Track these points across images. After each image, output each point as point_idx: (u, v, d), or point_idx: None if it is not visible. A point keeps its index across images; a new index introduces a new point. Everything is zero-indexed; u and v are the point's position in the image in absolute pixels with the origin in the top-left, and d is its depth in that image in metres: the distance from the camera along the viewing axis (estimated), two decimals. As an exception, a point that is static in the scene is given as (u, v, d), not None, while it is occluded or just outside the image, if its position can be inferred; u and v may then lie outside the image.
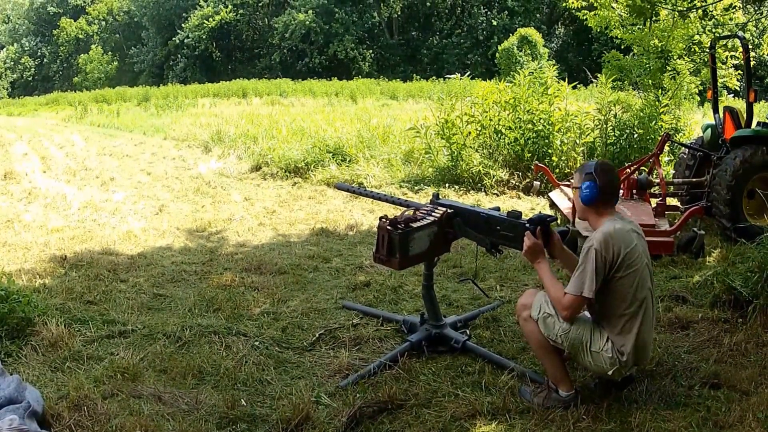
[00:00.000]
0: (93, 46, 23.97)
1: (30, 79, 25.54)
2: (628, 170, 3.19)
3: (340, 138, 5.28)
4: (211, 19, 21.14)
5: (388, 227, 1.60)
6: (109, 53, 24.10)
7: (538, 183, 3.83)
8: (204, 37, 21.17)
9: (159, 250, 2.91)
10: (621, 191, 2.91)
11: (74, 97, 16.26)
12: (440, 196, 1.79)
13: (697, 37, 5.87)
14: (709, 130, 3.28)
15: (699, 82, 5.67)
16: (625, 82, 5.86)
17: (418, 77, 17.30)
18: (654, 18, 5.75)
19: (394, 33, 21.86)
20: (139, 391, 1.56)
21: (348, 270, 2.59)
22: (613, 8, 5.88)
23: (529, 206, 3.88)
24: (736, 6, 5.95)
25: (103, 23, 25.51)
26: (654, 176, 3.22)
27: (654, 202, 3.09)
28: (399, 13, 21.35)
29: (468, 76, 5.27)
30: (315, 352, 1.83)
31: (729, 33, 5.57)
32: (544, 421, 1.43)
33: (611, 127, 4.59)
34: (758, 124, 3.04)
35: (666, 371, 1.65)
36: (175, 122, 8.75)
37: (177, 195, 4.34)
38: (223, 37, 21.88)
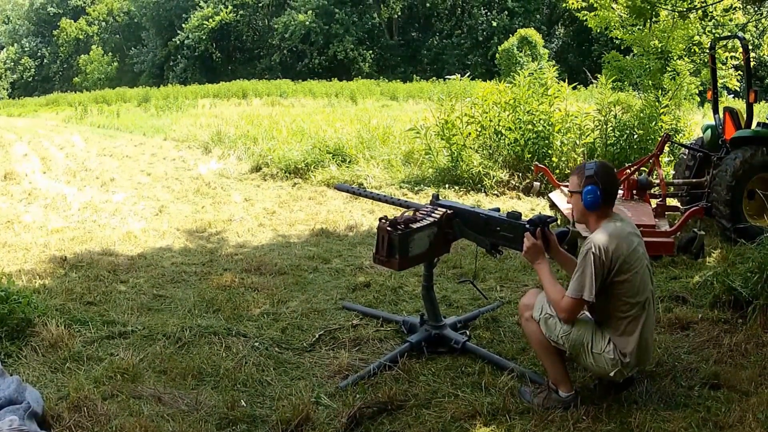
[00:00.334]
0: (93, 47, 24.00)
1: (30, 79, 25.57)
2: (628, 171, 3.19)
3: (340, 139, 5.29)
4: (211, 20, 21.17)
5: (388, 228, 1.60)
6: (109, 54, 24.14)
7: (538, 184, 3.83)
8: (204, 37, 21.20)
9: (159, 250, 2.91)
10: (621, 191, 2.91)
11: (74, 97, 16.26)
12: (440, 197, 1.79)
13: (697, 37, 5.88)
14: (709, 130, 3.28)
15: (699, 83, 5.68)
16: (625, 82, 5.87)
17: (418, 78, 17.34)
18: (654, 19, 5.77)
19: (394, 34, 21.88)
20: (139, 391, 1.56)
21: (348, 271, 2.59)
22: (613, 9, 5.89)
23: (529, 207, 3.88)
24: (736, 6, 5.96)
25: (103, 24, 25.55)
26: (654, 177, 3.22)
27: (654, 202, 3.09)
28: (399, 13, 21.38)
29: (468, 76, 5.27)
30: (315, 352, 1.83)
31: (729, 33, 5.59)
32: (543, 422, 1.43)
33: (611, 128, 4.59)
34: (758, 124, 3.05)
35: (666, 372, 1.65)
36: (175, 123, 8.75)
37: (177, 196, 4.34)
38: (223, 37, 21.91)
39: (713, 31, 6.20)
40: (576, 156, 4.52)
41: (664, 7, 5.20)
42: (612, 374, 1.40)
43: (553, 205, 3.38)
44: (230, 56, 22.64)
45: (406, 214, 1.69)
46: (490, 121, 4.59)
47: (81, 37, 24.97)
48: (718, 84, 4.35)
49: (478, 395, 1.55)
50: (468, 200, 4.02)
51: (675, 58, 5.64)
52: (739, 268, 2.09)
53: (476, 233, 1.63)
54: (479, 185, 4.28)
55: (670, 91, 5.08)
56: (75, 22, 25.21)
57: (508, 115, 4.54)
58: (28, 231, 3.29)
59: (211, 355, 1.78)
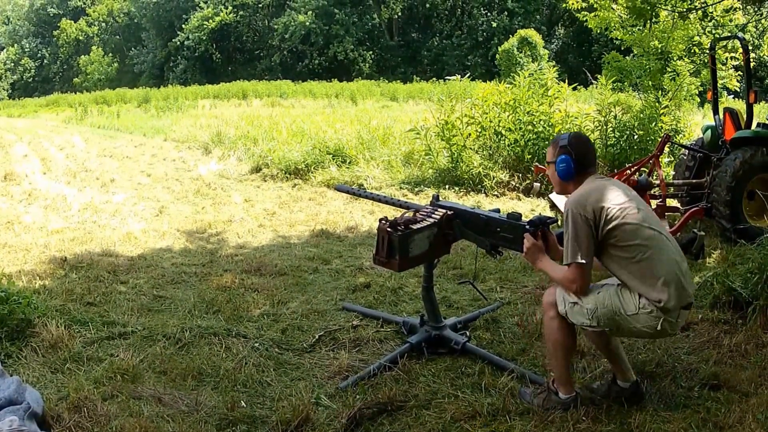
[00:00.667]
0: (93, 48, 24.02)
1: (30, 80, 25.59)
2: (628, 171, 3.19)
3: (341, 139, 5.28)
4: (211, 21, 21.19)
5: (388, 229, 1.60)
6: (110, 55, 24.16)
7: (539, 184, 3.83)
8: (204, 38, 21.22)
9: (159, 251, 2.91)
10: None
11: (74, 98, 16.29)
12: (440, 198, 1.79)
13: (697, 38, 5.88)
14: (709, 131, 3.27)
15: (699, 83, 5.67)
16: (625, 83, 5.87)
17: (418, 78, 17.34)
18: (654, 19, 5.77)
19: (394, 34, 21.90)
20: (139, 392, 1.56)
21: (348, 271, 2.59)
22: (613, 9, 5.89)
23: (530, 208, 3.88)
24: (735, 7, 5.96)
25: (104, 25, 25.58)
26: (654, 177, 3.22)
27: (654, 203, 3.09)
28: (399, 14, 21.39)
29: (468, 77, 5.30)
30: (315, 353, 1.83)
31: (729, 34, 5.59)
32: (543, 423, 1.43)
33: (611, 129, 4.59)
34: (758, 125, 3.04)
35: (666, 372, 1.65)
36: (176, 124, 8.76)
37: (177, 196, 4.34)
38: (223, 38, 21.94)
39: (713, 31, 6.20)
40: (576, 156, 4.50)
41: (664, 7, 5.20)
42: (659, 328, 1.30)
43: (553, 206, 3.38)
44: (230, 57, 22.67)
45: (406, 215, 1.69)
46: (490, 121, 4.59)
47: (81, 37, 25.00)
48: (718, 84, 4.35)
49: (478, 396, 1.55)
50: (468, 201, 4.02)
51: (675, 59, 5.64)
52: (739, 269, 2.09)
53: (476, 234, 1.63)
54: (479, 186, 4.27)
55: (670, 92, 5.07)
56: (75, 22, 25.24)
57: (508, 116, 4.55)
58: (28, 232, 3.29)
59: (211, 355, 1.78)
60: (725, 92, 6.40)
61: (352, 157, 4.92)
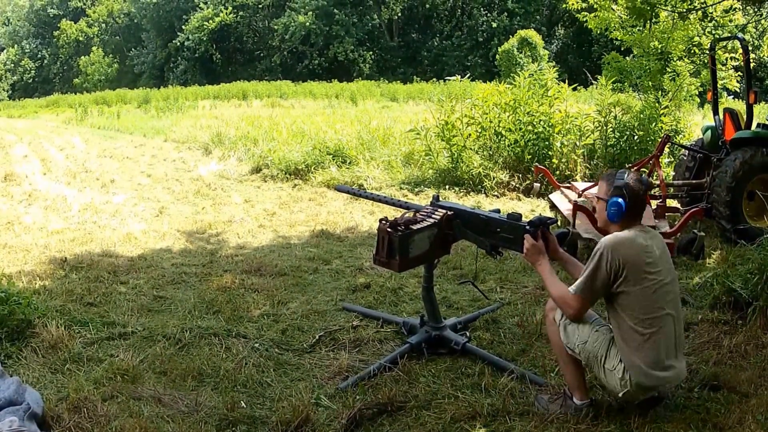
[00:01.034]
0: (93, 48, 24.02)
1: (30, 81, 25.58)
2: (628, 172, 3.19)
3: (341, 140, 5.29)
4: (211, 21, 21.20)
5: (389, 229, 1.60)
6: (110, 55, 24.15)
7: (539, 185, 3.83)
8: (204, 39, 21.22)
9: (159, 252, 2.91)
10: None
11: (74, 99, 16.29)
12: (440, 198, 1.79)
13: (696, 38, 5.89)
14: (709, 131, 3.28)
15: (699, 84, 5.68)
16: (625, 83, 5.87)
17: (419, 79, 17.33)
18: (654, 19, 5.78)
19: (394, 35, 21.91)
20: (138, 392, 1.56)
21: (348, 272, 2.59)
22: (613, 10, 5.90)
23: (530, 208, 3.88)
24: (735, 7, 5.97)
25: (104, 25, 25.59)
26: (654, 178, 3.22)
27: (654, 203, 3.09)
28: (399, 14, 21.39)
29: (468, 77, 5.30)
30: (315, 353, 1.83)
31: (729, 34, 5.59)
32: (543, 423, 1.42)
33: (611, 129, 4.59)
34: (758, 125, 3.04)
35: (666, 373, 1.65)
36: (176, 124, 8.75)
37: (177, 197, 4.34)
38: (223, 39, 21.94)
39: (713, 32, 6.21)
40: (576, 157, 4.53)
41: (663, 8, 5.21)
42: (621, 395, 1.35)
43: (553, 207, 3.38)
44: (230, 57, 22.67)
45: (407, 215, 1.69)
46: (490, 122, 4.59)
47: (81, 38, 24.99)
48: (718, 85, 4.36)
49: (478, 396, 1.55)
50: (468, 201, 4.01)
51: (675, 59, 5.65)
52: (739, 270, 2.08)
53: (476, 234, 1.63)
54: (479, 186, 4.28)
55: (670, 92, 5.08)
56: (75, 23, 25.24)
57: (508, 116, 4.55)
58: (28, 232, 3.29)
59: (211, 356, 1.78)
60: (725, 93, 6.41)
61: (352, 158, 4.93)
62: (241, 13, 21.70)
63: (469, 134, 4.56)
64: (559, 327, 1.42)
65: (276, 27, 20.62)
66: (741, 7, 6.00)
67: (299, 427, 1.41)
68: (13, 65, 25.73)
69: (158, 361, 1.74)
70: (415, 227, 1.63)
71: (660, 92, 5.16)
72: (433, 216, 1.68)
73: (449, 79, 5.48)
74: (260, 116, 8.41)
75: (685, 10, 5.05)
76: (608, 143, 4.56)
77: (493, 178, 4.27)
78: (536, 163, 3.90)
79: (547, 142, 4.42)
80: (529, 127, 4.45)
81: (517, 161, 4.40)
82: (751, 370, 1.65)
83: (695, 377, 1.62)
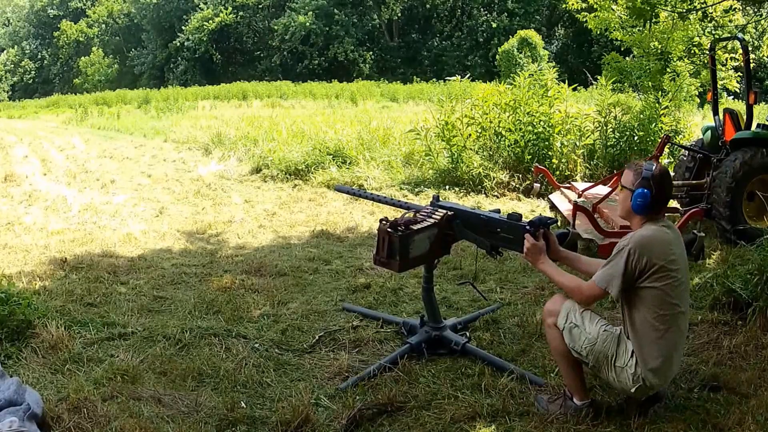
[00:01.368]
0: (93, 49, 24.04)
1: (30, 81, 25.59)
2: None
3: (341, 140, 5.29)
4: (211, 22, 21.21)
5: (389, 229, 1.60)
6: (110, 56, 24.17)
7: (539, 185, 3.83)
8: (204, 39, 21.23)
9: (159, 252, 2.91)
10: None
11: (74, 99, 16.33)
12: (440, 198, 1.79)
13: (696, 38, 5.89)
14: (709, 132, 3.28)
15: (699, 84, 5.68)
16: (625, 84, 5.87)
17: (419, 79, 17.33)
18: (654, 20, 5.78)
19: (394, 35, 21.92)
20: (138, 393, 1.56)
21: (348, 272, 2.59)
22: (613, 10, 5.90)
23: (530, 208, 3.88)
24: (735, 8, 5.97)
25: (104, 26, 25.59)
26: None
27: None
28: (399, 15, 21.39)
29: (468, 78, 5.29)
30: (315, 354, 1.83)
31: (729, 35, 5.59)
32: (543, 424, 1.43)
33: (611, 129, 4.60)
34: (758, 126, 3.04)
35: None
36: (176, 125, 8.76)
37: (177, 197, 4.34)
38: (223, 39, 21.95)
39: (713, 32, 6.20)
40: (576, 157, 4.53)
41: (663, 8, 5.21)
42: (632, 391, 1.35)
43: (553, 207, 3.38)
44: (230, 58, 22.68)
45: (407, 215, 1.70)
46: (490, 122, 4.59)
47: (81, 39, 25.00)
48: (718, 85, 4.36)
49: (478, 397, 1.55)
50: (468, 202, 4.01)
51: (675, 60, 5.65)
52: (738, 270, 2.08)
53: (476, 235, 1.63)
54: (479, 186, 4.28)
55: (670, 93, 5.08)
56: (75, 24, 25.24)
57: (508, 117, 4.55)
58: (28, 233, 3.30)
59: (211, 356, 1.78)
60: (725, 93, 6.41)
61: (352, 158, 4.93)
62: (241, 13, 21.71)
63: (469, 134, 4.56)
64: (563, 331, 1.42)
65: (276, 27, 20.62)
66: (741, 8, 6.00)
67: (299, 427, 1.42)
68: (13, 66, 25.74)
69: (158, 361, 1.74)
70: (415, 227, 1.63)
71: (660, 92, 5.16)
72: (433, 216, 1.68)
73: (449, 80, 5.48)
74: (260, 116, 8.42)
75: (685, 11, 5.06)
76: (608, 143, 4.57)
77: (493, 179, 4.27)
78: (536, 164, 3.91)
79: (547, 143, 4.42)
80: (529, 128, 4.45)
81: (517, 161, 4.40)
82: (751, 370, 1.65)
83: (695, 378, 1.63)
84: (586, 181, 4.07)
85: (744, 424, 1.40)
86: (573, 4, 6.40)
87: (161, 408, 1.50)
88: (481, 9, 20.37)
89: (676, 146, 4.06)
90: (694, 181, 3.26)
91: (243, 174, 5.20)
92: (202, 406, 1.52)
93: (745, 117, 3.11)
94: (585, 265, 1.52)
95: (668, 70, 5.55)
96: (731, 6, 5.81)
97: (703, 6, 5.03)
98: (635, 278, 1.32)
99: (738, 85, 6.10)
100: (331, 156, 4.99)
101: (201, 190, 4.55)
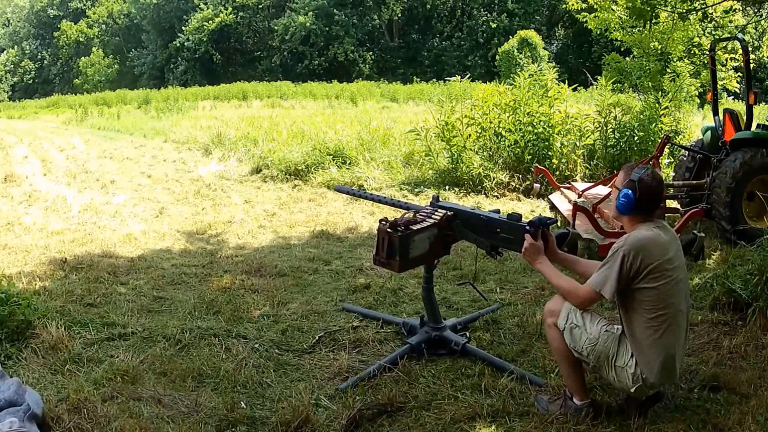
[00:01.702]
0: (93, 49, 24.05)
1: (30, 82, 25.60)
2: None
3: (341, 140, 5.29)
4: (211, 22, 21.22)
5: (388, 230, 1.60)
6: (110, 56, 24.18)
7: (538, 185, 3.83)
8: (204, 39, 21.24)
9: (159, 252, 2.91)
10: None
11: (75, 99, 16.34)
12: (440, 199, 1.79)
13: (696, 39, 5.89)
14: (709, 132, 3.28)
15: (699, 85, 5.68)
16: (625, 84, 5.87)
17: (419, 79, 17.33)
18: (654, 20, 5.78)
19: (395, 35, 21.94)
20: (138, 393, 1.56)
21: (348, 272, 2.59)
22: (613, 10, 5.90)
23: (530, 209, 3.89)
24: (735, 8, 5.97)
25: (104, 26, 25.61)
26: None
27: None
28: (399, 15, 21.42)
29: (468, 78, 5.29)
30: (315, 354, 1.83)
31: (729, 35, 5.59)
32: (543, 424, 1.43)
33: (611, 130, 4.60)
34: (758, 126, 3.04)
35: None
36: (176, 125, 8.76)
37: (177, 198, 4.34)
38: (223, 39, 21.96)
39: (713, 32, 6.21)
40: (576, 158, 4.53)
41: (663, 8, 5.21)
42: (632, 390, 1.36)
43: (553, 207, 3.38)
44: (230, 58, 22.69)
45: (406, 215, 1.70)
46: (490, 122, 4.60)
47: (81, 39, 25.02)
48: (718, 85, 4.36)
49: (478, 397, 1.55)
50: (468, 202, 4.01)
51: (675, 60, 5.65)
52: (738, 270, 2.09)
53: (476, 235, 1.63)
54: (479, 187, 4.28)
55: (670, 93, 5.08)
56: (75, 24, 25.26)
57: (508, 117, 4.55)
58: (28, 233, 3.30)
59: (211, 357, 1.78)
60: (725, 93, 6.41)
61: (352, 158, 4.93)
62: (241, 13, 21.72)
63: (469, 135, 4.56)
64: (564, 331, 1.42)
65: (276, 27, 20.64)
66: (741, 8, 6.00)
67: (299, 427, 1.42)
68: (13, 66, 25.75)
69: (158, 361, 1.74)
70: (415, 228, 1.63)
71: (660, 93, 5.16)
72: (433, 216, 1.68)
73: (449, 80, 5.48)
74: (260, 117, 8.43)
75: (685, 11, 5.06)
76: (608, 144, 4.57)
77: (493, 179, 4.28)
78: (536, 164, 3.90)
79: (547, 143, 4.42)
80: (529, 128, 4.45)
81: (517, 162, 4.41)
82: (751, 370, 1.65)
83: (695, 378, 1.63)
84: (586, 182, 4.07)
85: (744, 424, 1.40)
86: (573, 5, 6.41)
87: (161, 408, 1.50)
88: (481, 9, 20.39)
89: (676, 146, 4.06)
90: (694, 182, 3.26)
91: (243, 174, 5.20)
92: (202, 406, 1.52)
93: (745, 117, 3.11)
94: (583, 267, 1.52)
95: (668, 70, 5.55)
96: (731, 6, 5.82)
97: (703, 6, 5.04)
98: (631, 280, 1.33)
99: (738, 86, 6.11)
100: (331, 156, 4.99)
101: (201, 190, 4.55)
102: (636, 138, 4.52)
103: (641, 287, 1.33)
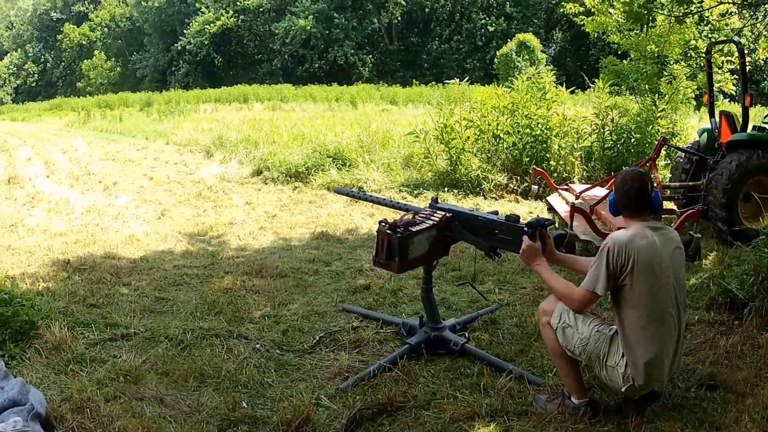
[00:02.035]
0: (96, 52, 24.17)
1: (33, 84, 25.71)
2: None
3: (341, 143, 5.33)
4: (212, 25, 21.35)
5: (388, 231, 1.62)
6: (112, 59, 24.32)
7: (536, 187, 3.86)
8: (206, 42, 21.36)
9: (161, 253, 2.93)
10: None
11: (77, 102, 16.43)
12: (439, 200, 1.81)
13: (693, 42, 5.93)
14: (706, 134, 3.30)
15: (695, 87, 5.72)
16: (622, 86, 5.92)
17: (418, 82, 17.44)
18: (650, 23, 5.83)
19: (394, 39, 22.05)
20: (141, 393, 1.57)
21: (348, 273, 2.61)
22: (610, 14, 5.95)
23: (528, 210, 3.91)
24: (731, 12, 6.02)
25: (106, 29, 25.76)
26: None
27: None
28: (398, 18, 21.55)
29: (467, 81, 5.31)
30: (315, 354, 1.85)
31: (725, 38, 5.64)
32: (541, 423, 1.44)
33: (608, 132, 4.63)
34: (754, 128, 3.07)
35: (663, 373, 1.67)
36: (177, 127, 8.80)
37: (179, 199, 4.37)
38: (224, 42, 22.08)
39: (709, 35, 6.26)
40: (573, 160, 4.56)
41: (660, 12, 5.26)
42: (623, 390, 1.38)
43: (551, 209, 3.41)
44: (231, 61, 22.80)
45: (406, 217, 1.72)
46: (489, 125, 4.63)
47: (84, 42, 25.15)
48: (714, 88, 4.39)
49: (476, 396, 1.56)
50: (467, 203, 4.03)
51: (671, 63, 5.69)
52: (734, 271, 2.11)
53: (475, 236, 1.65)
54: (478, 189, 4.30)
55: (667, 95, 5.11)
56: (78, 27, 25.40)
57: (506, 119, 4.59)
58: (31, 234, 3.32)
59: (213, 357, 1.79)
60: (721, 95, 6.44)
61: (352, 160, 4.96)
62: (242, 17, 21.85)
63: (468, 137, 4.58)
64: (556, 330, 1.44)
65: (277, 31, 20.75)
66: (737, 11, 6.05)
67: (300, 427, 1.43)
68: (16, 69, 25.88)
69: (160, 361, 1.76)
70: (414, 229, 1.65)
71: (657, 95, 5.19)
72: (432, 218, 1.70)
73: (448, 83, 5.52)
74: (261, 119, 8.50)
75: (681, 14, 5.10)
76: (605, 146, 4.59)
77: (492, 181, 4.30)
78: (534, 166, 3.95)
79: (544, 145, 4.45)
80: (527, 130, 4.48)
81: (515, 164, 4.43)
82: (747, 369, 1.66)
83: (692, 377, 1.64)
84: (583, 183, 4.10)
85: (740, 422, 1.41)
86: (571, 8, 6.46)
87: (163, 408, 1.52)
88: (480, 13, 20.50)
89: (672, 148, 4.09)
90: (690, 183, 3.28)
91: (244, 176, 5.23)
92: (203, 406, 1.54)
93: (740, 119, 3.13)
94: (582, 265, 1.54)
95: (665, 73, 5.59)
96: (727, 10, 5.86)
97: (699, 10, 5.08)
98: (617, 275, 1.35)
99: (734, 88, 6.14)
100: (331, 158, 5.02)
101: (202, 192, 4.58)
102: (633, 140, 4.55)
103: (625, 284, 1.34)
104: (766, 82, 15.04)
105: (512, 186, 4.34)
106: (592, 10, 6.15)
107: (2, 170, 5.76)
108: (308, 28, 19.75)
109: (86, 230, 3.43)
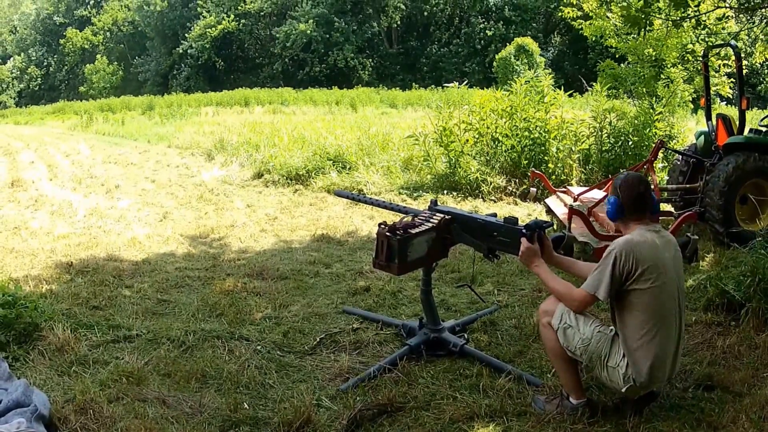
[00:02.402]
0: (98, 56, 24.33)
1: (36, 88, 25.87)
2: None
3: (341, 146, 5.36)
4: (213, 29, 21.50)
5: (387, 233, 1.63)
6: (114, 63, 24.47)
7: (535, 189, 3.88)
8: (207, 46, 21.50)
9: (163, 256, 2.95)
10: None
11: (80, 106, 16.49)
12: (438, 203, 1.83)
13: (690, 46, 5.98)
14: (703, 137, 3.32)
15: (692, 90, 5.76)
16: (620, 90, 5.96)
17: (417, 86, 17.49)
18: (648, 27, 5.88)
19: (394, 42, 22.19)
20: (143, 394, 1.59)
21: (348, 275, 2.63)
22: (608, 18, 6.01)
23: (526, 213, 3.93)
24: (728, 15, 6.07)
25: (109, 34, 25.95)
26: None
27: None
28: (398, 22, 21.69)
29: (466, 84, 5.37)
30: (316, 356, 1.86)
31: (722, 42, 5.68)
32: (540, 423, 1.45)
33: (606, 135, 4.66)
34: (750, 131, 3.09)
35: (660, 374, 1.68)
36: (179, 131, 8.85)
37: (181, 202, 4.39)
38: (225, 46, 22.22)
39: (706, 39, 6.30)
40: (572, 162, 4.59)
41: (658, 16, 5.31)
42: (624, 390, 1.38)
43: (549, 211, 3.43)
44: (233, 65, 22.93)
45: (405, 219, 1.74)
46: (488, 128, 4.66)
47: (87, 46, 25.33)
48: (711, 91, 4.42)
49: (476, 397, 1.57)
50: (466, 206, 4.05)
51: (669, 66, 5.73)
52: (731, 272, 2.12)
53: (473, 238, 1.67)
54: (477, 191, 4.32)
55: (664, 99, 5.14)
56: (81, 32, 25.60)
57: (505, 123, 4.62)
58: (34, 237, 3.34)
59: (215, 358, 1.81)
60: (718, 99, 6.47)
61: (352, 163, 4.99)
62: (243, 21, 22.01)
63: (467, 140, 4.61)
64: (557, 331, 1.44)
65: (277, 35, 20.88)
66: (734, 15, 6.10)
67: (301, 427, 1.44)
68: (19, 73, 26.04)
69: (163, 363, 1.77)
70: (413, 231, 1.66)
71: (654, 98, 5.22)
72: (431, 220, 1.72)
73: (447, 86, 5.57)
74: (262, 122, 8.51)
75: (678, 18, 5.15)
76: (603, 149, 4.62)
77: (490, 183, 4.33)
78: (533, 168, 3.97)
79: (543, 148, 4.47)
80: (526, 133, 4.51)
81: (514, 166, 4.46)
82: (745, 370, 1.67)
83: (690, 377, 1.65)
84: (581, 186, 4.12)
85: (738, 422, 1.42)
86: (569, 12, 6.52)
87: (166, 409, 1.53)
88: (479, 17, 20.63)
89: (670, 151, 4.11)
90: (687, 185, 3.30)
91: (245, 179, 5.25)
92: (205, 407, 1.55)
93: (737, 122, 3.16)
94: (579, 269, 1.55)
95: (662, 76, 5.63)
96: (724, 14, 5.91)
97: (696, 14, 5.13)
98: (623, 281, 1.36)
99: (731, 91, 6.18)
100: (332, 161, 5.05)
101: (204, 195, 4.60)
102: (630, 143, 4.57)
103: (633, 289, 1.35)
104: (762, 85, 15.11)
105: (511, 188, 4.36)
106: (590, 14, 6.21)
107: (6, 173, 5.80)
108: (309, 32, 19.88)
109: (89, 233, 3.45)
